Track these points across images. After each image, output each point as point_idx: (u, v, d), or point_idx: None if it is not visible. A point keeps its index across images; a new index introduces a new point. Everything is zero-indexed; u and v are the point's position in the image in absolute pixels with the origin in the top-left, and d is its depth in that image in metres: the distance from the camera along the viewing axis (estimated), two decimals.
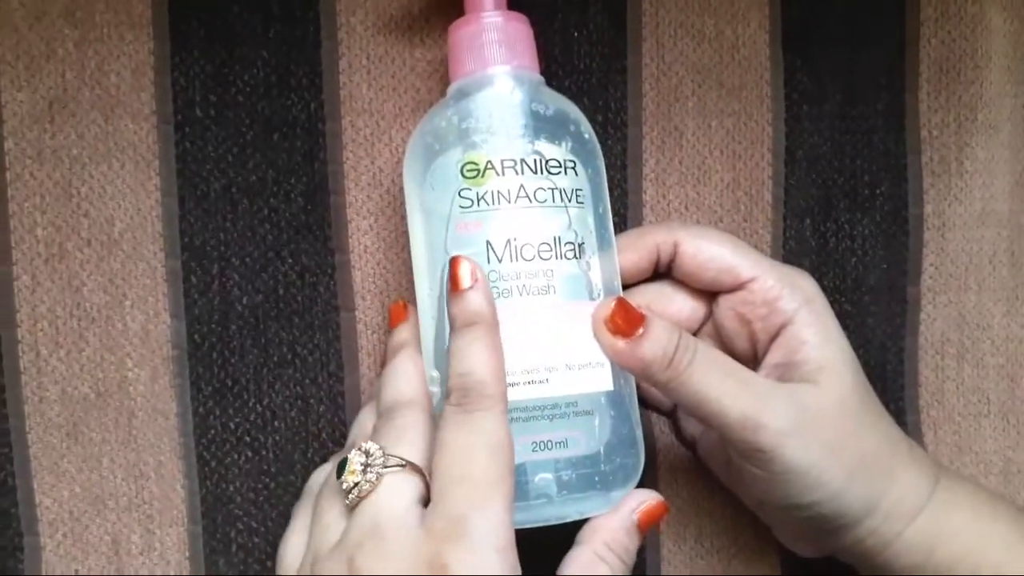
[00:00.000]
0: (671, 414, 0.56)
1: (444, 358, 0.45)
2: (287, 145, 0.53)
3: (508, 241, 0.45)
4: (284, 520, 0.53)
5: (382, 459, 0.43)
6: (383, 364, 0.51)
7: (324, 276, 0.54)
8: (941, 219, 0.60)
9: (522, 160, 0.46)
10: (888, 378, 0.60)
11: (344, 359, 0.54)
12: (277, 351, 0.53)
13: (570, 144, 0.47)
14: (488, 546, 0.41)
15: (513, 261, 0.45)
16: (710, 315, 0.53)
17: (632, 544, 0.47)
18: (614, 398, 0.47)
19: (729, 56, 0.57)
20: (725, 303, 0.52)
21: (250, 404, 0.53)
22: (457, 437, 0.43)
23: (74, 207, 0.52)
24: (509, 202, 0.45)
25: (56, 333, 0.52)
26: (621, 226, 0.56)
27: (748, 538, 0.58)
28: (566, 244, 0.46)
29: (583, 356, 0.46)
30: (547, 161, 0.46)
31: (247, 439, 0.53)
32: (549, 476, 0.46)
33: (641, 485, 0.48)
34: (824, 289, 0.51)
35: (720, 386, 0.46)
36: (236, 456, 0.53)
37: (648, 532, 0.48)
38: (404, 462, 0.43)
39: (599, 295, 0.47)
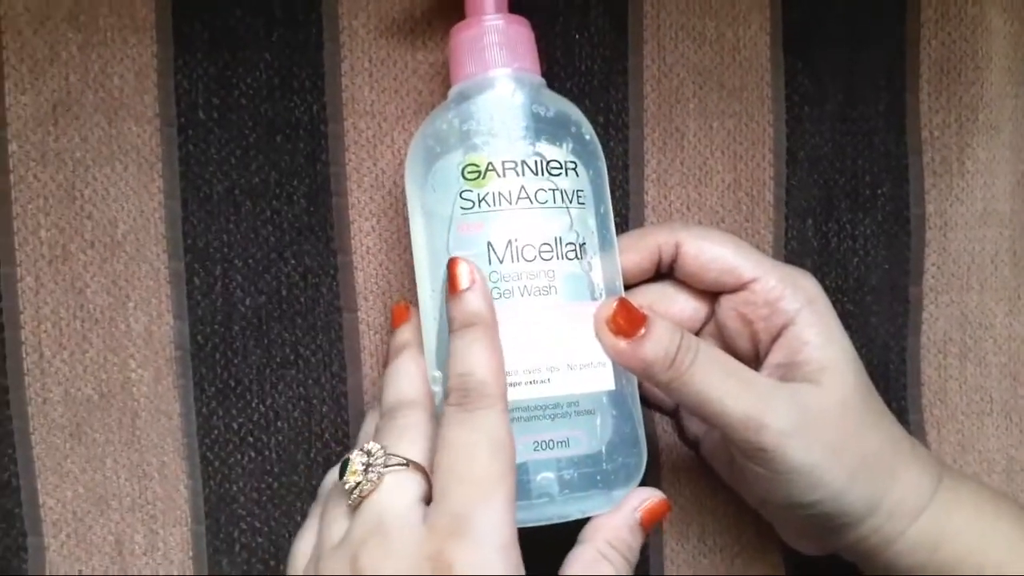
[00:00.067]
0: (674, 414, 0.56)
1: (446, 358, 0.46)
2: (290, 147, 0.53)
3: (509, 242, 0.45)
4: (287, 520, 0.54)
5: (383, 458, 0.44)
6: (385, 365, 0.51)
7: (326, 277, 0.54)
8: (943, 219, 0.60)
9: (523, 161, 0.46)
10: (891, 377, 0.60)
11: (347, 359, 0.54)
12: (280, 352, 0.54)
13: (571, 145, 0.47)
14: (491, 543, 0.41)
15: (514, 262, 0.45)
16: (712, 315, 0.53)
17: (635, 542, 0.47)
18: (616, 397, 0.47)
19: (730, 58, 0.57)
20: (727, 303, 0.52)
21: (253, 404, 0.53)
22: (459, 436, 0.43)
23: (78, 209, 0.52)
24: (510, 203, 0.45)
25: (60, 334, 0.52)
26: (623, 227, 0.56)
27: (751, 536, 0.58)
28: (567, 245, 0.46)
29: (585, 356, 0.46)
30: (548, 162, 0.46)
31: (250, 439, 0.54)
32: (551, 475, 0.46)
33: (644, 484, 0.48)
34: (826, 289, 0.51)
35: (722, 386, 0.46)
36: (239, 456, 0.54)
37: (651, 530, 0.48)
38: (406, 461, 0.43)
39: (601, 295, 0.47)
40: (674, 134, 0.57)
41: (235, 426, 0.53)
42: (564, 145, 0.47)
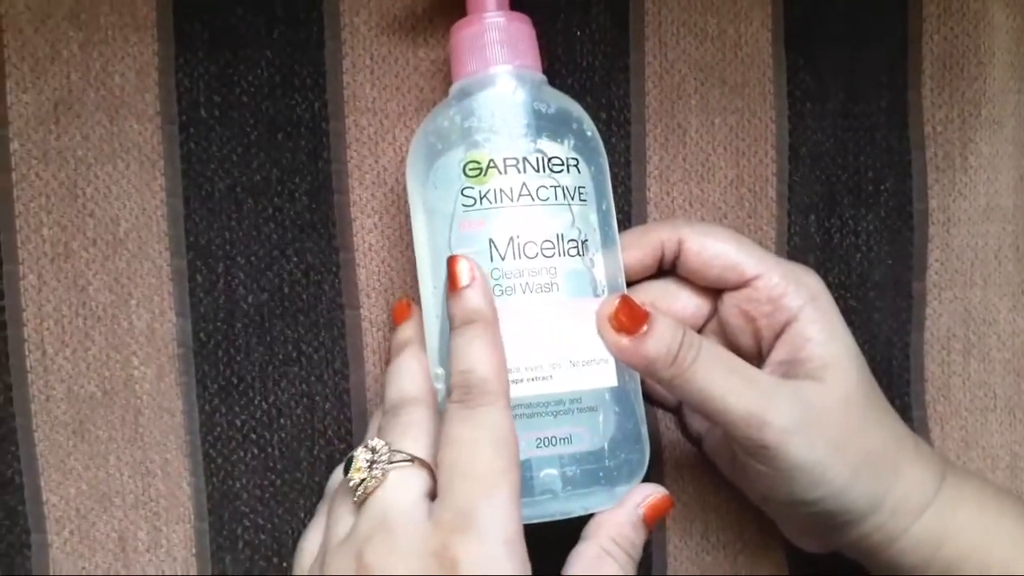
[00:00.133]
0: (677, 410, 0.56)
1: (448, 356, 0.46)
2: (291, 145, 0.53)
3: (511, 239, 0.45)
4: (290, 517, 0.54)
5: (387, 455, 0.44)
6: (387, 362, 0.51)
7: (329, 274, 0.54)
8: (946, 214, 0.60)
9: (524, 158, 0.46)
10: (894, 374, 0.60)
11: (349, 356, 0.54)
12: (282, 349, 0.54)
13: (572, 142, 0.47)
14: (496, 537, 0.41)
15: (516, 259, 0.45)
16: (714, 312, 0.53)
17: (638, 538, 0.47)
18: (618, 394, 0.47)
19: (732, 54, 0.57)
20: (730, 300, 0.52)
21: (256, 402, 0.54)
22: (462, 432, 0.43)
23: (79, 207, 0.52)
24: (512, 200, 0.45)
25: (62, 332, 0.52)
26: (625, 223, 0.56)
27: (754, 533, 0.58)
28: (569, 241, 0.46)
29: (587, 353, 0.46)
30: (549, 159, 0.46)
31: (253, 436, 0.54)
32: (554, 472, 0.46)
33: (647, 481, 0.48)
34: (829, 285, 0.51)
35: (724, 383, 0.46)
36: (242, 453, 0.54)
37: (654, 527, 0.48)
38: (410, 457, 0.44)
39: (603, 292, 0.47)
40: (676, 130, 0.57)
41: (238, 423, 0.53)
42: (565, 142, 0.47)
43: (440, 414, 0.46)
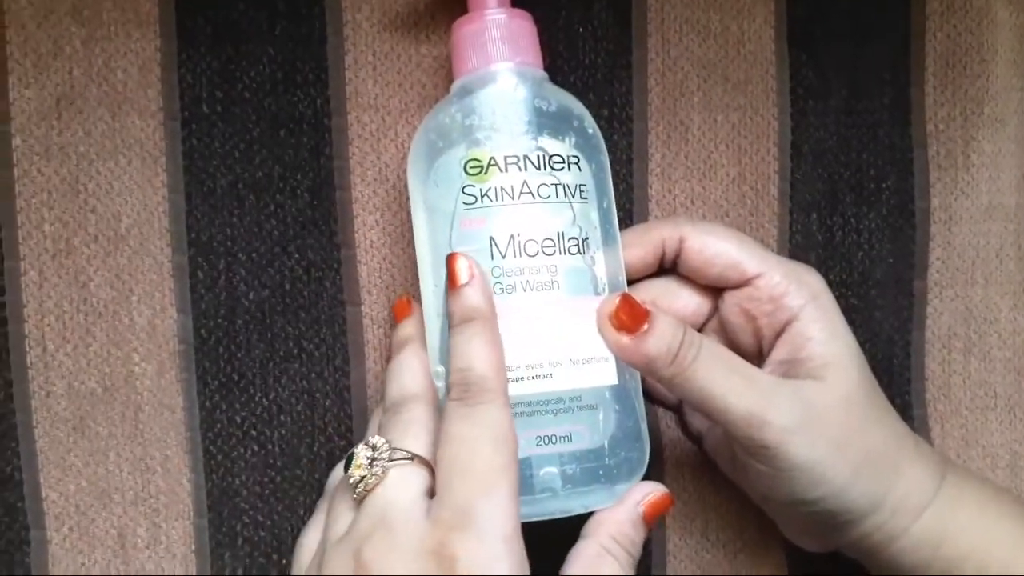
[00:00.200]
0: (677, 408, 0.56)
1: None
2: (293, 141, 0.53)
3: (511, 237, 0.45)
4: (290, 514, 0.54)
5: (388, 452, 0.44)
6: (388, 359, 0.51)
7: (330, 271, 0.54)
8: (948, 213, 0.60)
9: (525, 156, 0.46)
10: (895, 372, 0.60)
11: (350, 353, 0.55)
12: (283, 345, 0.54)
13: (574, 140, 0.47)
14: (495, 535, 0.41)
15: (517, 257, 0.45)
16: (715, 311, 0.53)
17: (638, 536, 0.47)
18: (619, 392, 0.47)
19: (734, 51, 0.57)
20: (731, 299, 0.51)
21: (256, 398, 0.54)
22: (460, 430, 0.43)
23: (81, 203, 0.52)
24: (512, 198, 0.45)
25: (63, 328, 0.52)
26: (627, 221, 0.56)
27: (754, 532, 0.58)
28: (570, 240, 0.46)
29: (587, 351, 0.46)
30: (550, 157, 0.46)
31: (253, 433, 0.54)
32: (554, 470, 0.46)
33: (647, 479, 0.48)
34: (830, 283, 0.51)
35: (725, 383, 0.46)
36: (242, 450, 0.54)
37: (654, 525, 0.48)
38: (410, 455, 0.44)
39: (604, 290, 0.47)
40: (678, 128, 0.57)
41: (238, 420, 0.53)
42: (566, 139, 0.47)
43: (441, 412, 0.46)
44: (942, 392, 0.61)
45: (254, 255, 0.53)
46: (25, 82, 0.51)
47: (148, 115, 0.52)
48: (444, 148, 0.47)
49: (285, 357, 0.54)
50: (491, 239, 0.45)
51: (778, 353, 0.50)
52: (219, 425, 0.53)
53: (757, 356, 0.51)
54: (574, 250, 0.46)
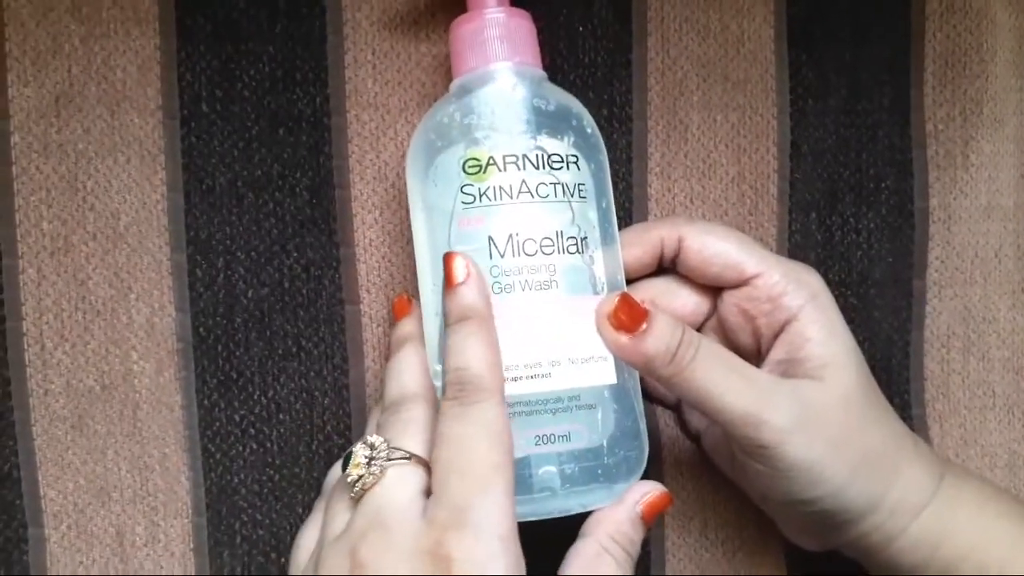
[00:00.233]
0: (676, 407, 0.56)
1: None
2: (292, 139, 0.53)
3: (510, 236, 0.45)
4: (288, 512, 0.54)
5: (386, 452, 0.44)
6: (387, 358, 0.51)
7: (329, 269, 0.54)
8: (947, 212, 0.60)
9: (524, 155, 0.46)
10: (894, 372, 0.60)
11: (349, 352, 0.55)
12: (282, 344, 0.54)
13: (572, 139, 0.47)
14: (491, 534, 0.41)
15: (515, 256, 0.45)
16: (714, 310, 0.53)
17: (637, 535, 0.47)
18: (617, 391, 0.47)
19: (734, 51, 0.57)
20: (729, 299, 0.51)
21: (255, 397, 0.54)
22: (456, 429, 0.43)
23: (80, 201, 0.52)
24: (511, 197, 0.45)
25: (61, 326, 0.52)
26: (626, 220, 0.56)
27: (752, 531, 0.58)
28: (569, 239, 0.46)
29: (586, 350, 0.46)
30: (549, 156, 0.46)
31: (252, 431, 0.54)
32: (552, 469, 0.46)
33: (646, 478, 0.48)
34: (829, 283, 0.51)
35: (723, 382, 0.46)
36: (241, 448, 0.54)
37: (652, 524, 0.48)
38: (408, 455, 0.44)
39: (602, 290, 0.47)
40: (678, 127, 0.57)
41: (237, 418, 0.53)
42: (565, 138, 0.47)
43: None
44: (941, 391, 0.61)
45: (253, 253, 0.53)
46: (24, 80, 0.51)
47: (147, 113, 0.52)
48: (443, 147, 0.47)
49: (284, 355, 0.54)
50: (490, 238, 0.45)
51: (777, 353, 0.50)
52: (218, 423, 0.53)
53: (756, 356, 0.51)
54: (573, 249, 0.46)
